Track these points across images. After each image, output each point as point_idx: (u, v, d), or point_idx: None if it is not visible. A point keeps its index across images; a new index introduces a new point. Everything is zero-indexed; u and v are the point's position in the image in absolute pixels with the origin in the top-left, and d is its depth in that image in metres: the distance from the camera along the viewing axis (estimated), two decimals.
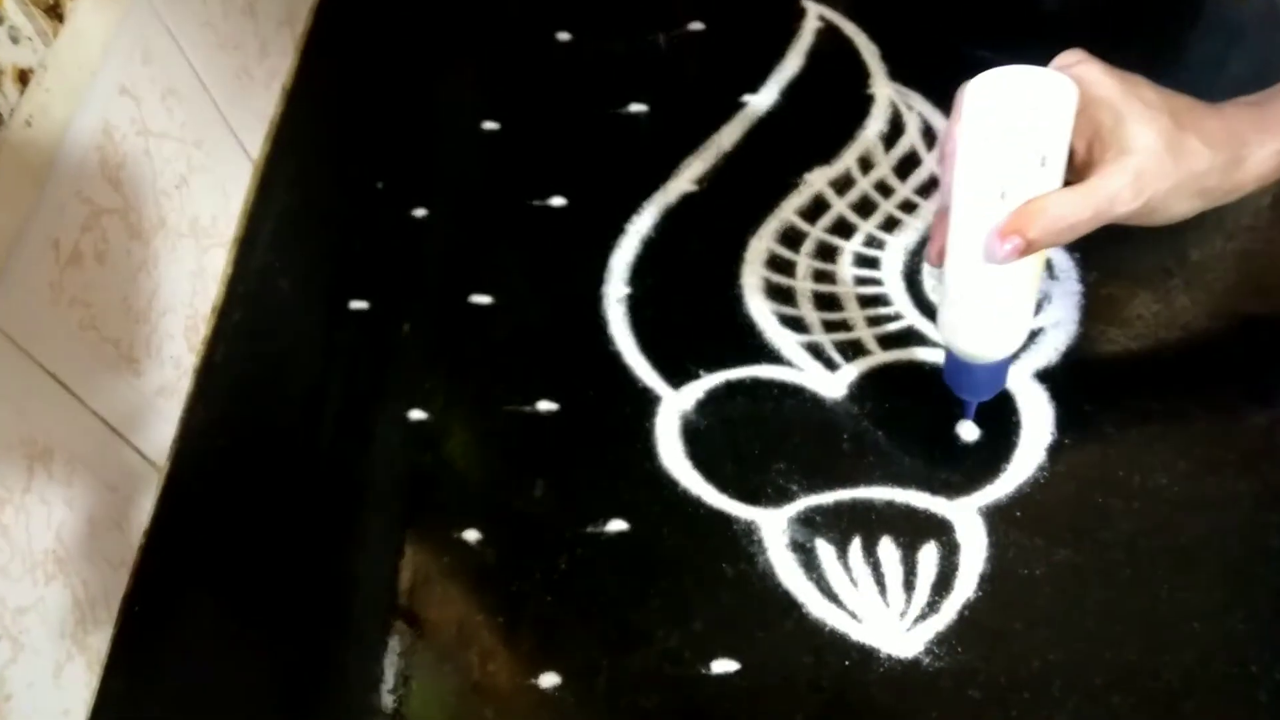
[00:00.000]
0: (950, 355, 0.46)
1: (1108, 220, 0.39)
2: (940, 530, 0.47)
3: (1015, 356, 0.47)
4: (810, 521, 0.48)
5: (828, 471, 0.50)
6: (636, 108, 0.66)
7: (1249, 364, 0.51)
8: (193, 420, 0.56)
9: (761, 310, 0.55)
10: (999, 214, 0.38)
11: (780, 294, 0.56)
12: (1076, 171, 0.40)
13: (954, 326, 0.44)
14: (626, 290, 0.57)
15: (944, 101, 0.62)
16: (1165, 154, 0.38)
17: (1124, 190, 0.38)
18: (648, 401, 0.53)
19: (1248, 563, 0.45)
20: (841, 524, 0.48)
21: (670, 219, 0.60)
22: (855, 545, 0.47)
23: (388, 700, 0.46)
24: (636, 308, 0.57)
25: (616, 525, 0.49)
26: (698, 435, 0.52)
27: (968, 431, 0.50)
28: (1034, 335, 0.52)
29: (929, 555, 0.47)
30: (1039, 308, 0.53)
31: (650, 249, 0.59)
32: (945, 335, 0.45)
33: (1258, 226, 0.55)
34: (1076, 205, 0.38)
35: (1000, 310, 0.42)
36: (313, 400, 0.56)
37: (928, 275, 0.56)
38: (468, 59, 0.72)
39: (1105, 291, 0.54)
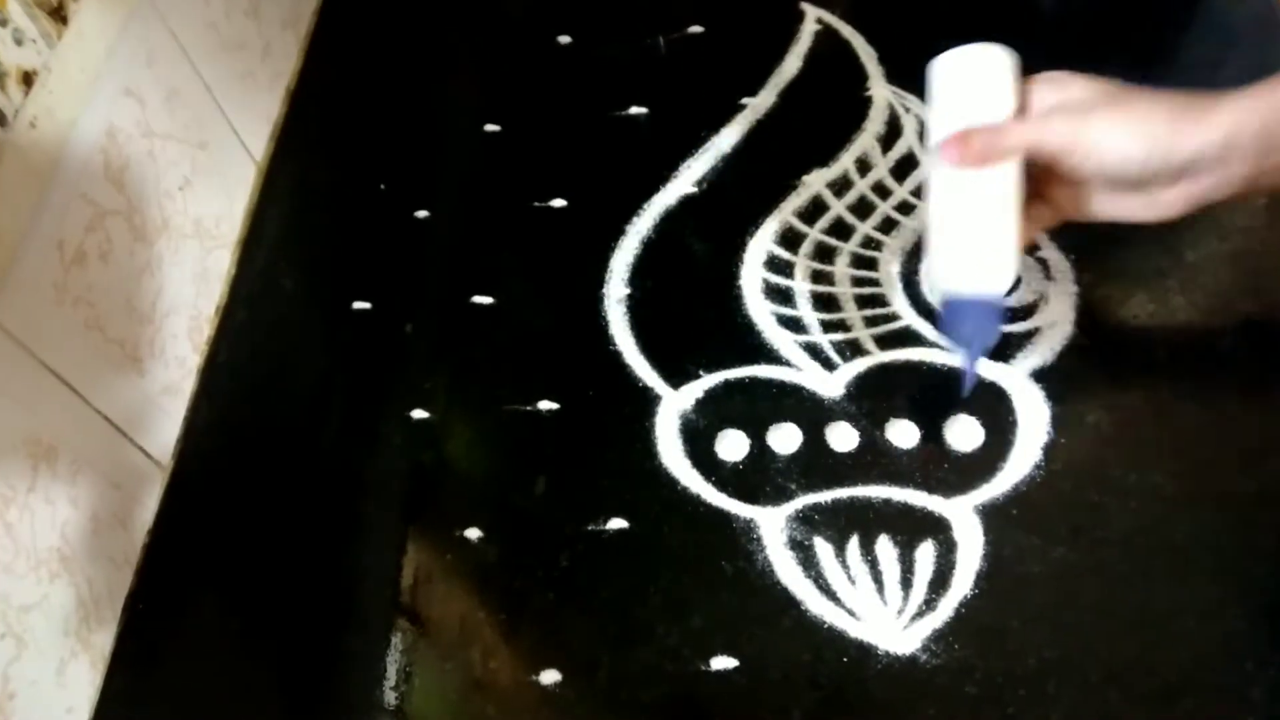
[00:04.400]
0: (944, 309, 0.46)
1: (1048, 144, 0.43)
2: (937, 529, 0.48)
3: (1003, 314, 0.48)
4: (809, 520, 0.49)
5: (826, 470, 0.50)
6: (636, 110, 0.66)
7: (1243, 364, 0.51)
8: (197, 419, 0.56)
9: (760, 310, 0.56)
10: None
11: (779, 294, 0.56)
12: None
13: (938, 259, 0.45)
14: (626, 291, 0.58)
15: None
16: (1101, 98, 0.42)
17: (1058, 121, 0.42)
18: (648, 401, 0.53)
19: (1242, 561, 0.46)
20: (839, 522, 0.48)
21: (670, 220, 0.60)
22: (853, 543, 0.48)
23: (390, 697, 0.46)
24: (636, 308, 0.57)
25: (617, 523, 0.50)
26: (697, 434, 0.52)
27: (957, 438, 0.50)
28: (1030, 335, 0.53)
29: (926, 553, 0.47)
30: (1035, 309, 0.54)
31: (650, 250, 0.59)
32: (933, 274, 0.46)
33: (1253, 227, 0.55)
34: (1015, 126, 0.43)
35: (978, 235, 0.44)
36: (316, 400, 0.56)
37: (925, 277, 0.56)
38: (470, 62, 0.72)
39: (1101, 293, 0.54)
